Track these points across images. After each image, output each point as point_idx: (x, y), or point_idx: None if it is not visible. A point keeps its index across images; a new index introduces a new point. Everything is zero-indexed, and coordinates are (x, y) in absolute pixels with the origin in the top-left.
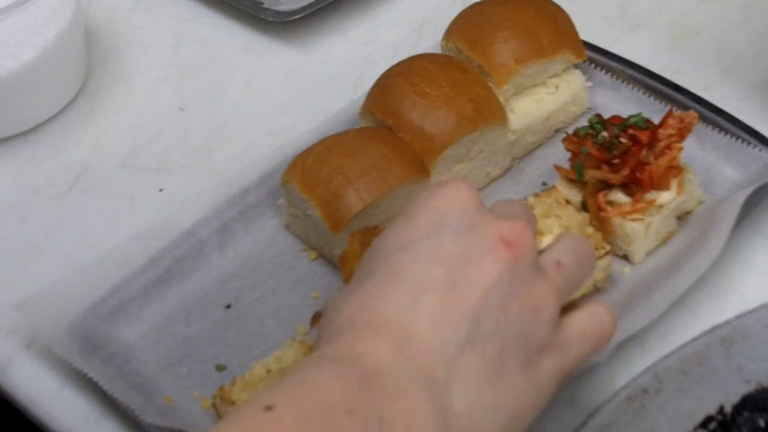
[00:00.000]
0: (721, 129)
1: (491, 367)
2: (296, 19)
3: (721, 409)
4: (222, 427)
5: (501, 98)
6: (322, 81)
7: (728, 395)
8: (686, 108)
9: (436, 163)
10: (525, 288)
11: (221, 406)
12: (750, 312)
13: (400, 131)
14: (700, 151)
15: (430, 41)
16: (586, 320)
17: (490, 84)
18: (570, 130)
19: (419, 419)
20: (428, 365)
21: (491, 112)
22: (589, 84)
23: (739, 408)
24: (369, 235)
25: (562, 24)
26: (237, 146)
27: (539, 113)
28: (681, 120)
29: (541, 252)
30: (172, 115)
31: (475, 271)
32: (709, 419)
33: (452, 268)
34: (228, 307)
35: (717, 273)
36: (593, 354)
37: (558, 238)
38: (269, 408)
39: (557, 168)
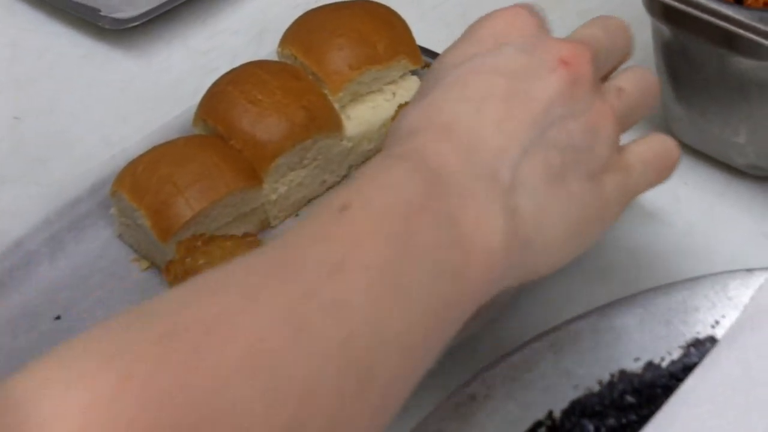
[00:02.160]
0: None
1: (555, 172)
2: (135, 27)
3: (549, 414)
4: (301, 225)
5: (336, 105)
6: (161, 89)
7: (557, 400)
8: None
9: (269, 171)
10: (584, 106)
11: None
12: (580, 317)
13: (231, 139)
14: None
15: (270, 48)
16: (648, 147)
17: (326, 91)
18: None
19: (488, 218)
20: (494, 171)
21: (325, 120)
22: None
23: (567, 413)
24: (196, 241)
25: (399, 30)
26: (73, 156)
27: (376, 120)
28: None
29: (606, 78)
30: (7, 124)
31: (537, 86)
32: (537, 424)
33: (514, 81)
34: (57, 318)
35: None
36: (658, 182)
37: (627, 69)
38: (345, 207)
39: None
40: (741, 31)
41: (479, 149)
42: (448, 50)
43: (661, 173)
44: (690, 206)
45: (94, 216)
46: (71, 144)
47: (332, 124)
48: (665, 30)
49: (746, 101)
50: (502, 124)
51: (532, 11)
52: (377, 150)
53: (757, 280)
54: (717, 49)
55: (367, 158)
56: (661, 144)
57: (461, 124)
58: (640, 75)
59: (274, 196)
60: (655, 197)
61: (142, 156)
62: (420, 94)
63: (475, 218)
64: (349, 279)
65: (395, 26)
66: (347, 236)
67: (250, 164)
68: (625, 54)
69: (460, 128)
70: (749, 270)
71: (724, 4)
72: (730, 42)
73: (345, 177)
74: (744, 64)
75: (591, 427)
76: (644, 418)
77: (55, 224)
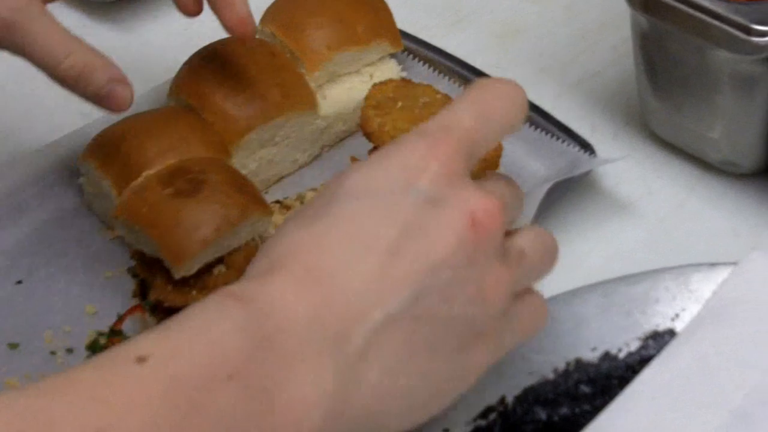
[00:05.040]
0: (532, 124)
1: (417, 348)
2: (118, 1)
3: (502, 400)
4: (87, 369)
5: (312, 85)
6: (141, 63)
7: (511, 387)
8: None
9: (239, 146)
10: (479, 273)
11: None
12: None
13: (203, 112)
14: (509, 145)
15: None
16: (527, 309)
17: (303, 70)
18: None
19: (310, 394)
20: (345, 334)
21: (299, 98)
22: (404, 74)
23: (520, 399)
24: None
25: (380, 13)
26: (48, 126)
27: (351, 101)
28: None
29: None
30: None
31: (429, 244)
32: (489, 410)
33: (406, 236)
34: (19, 282)
35: None
36: (527, 341)
37: (528, 227)
38: (142, 359)
39: (353, 159)
40: (718, 23)
41: (337, 307)
42: (352, 168)
43: (530, 335)
44: (661, 199)
45: (63, 185)
46: (48, 114)
47: (306, 102)
48: (644, 22)
49: (721, 95)
50: (372, 285)
51: (460, 146)
52: (350, 131)
53: (720, 274)
54: (694, 40)
55: (340, 139)
56: (534, 303)
57: (328, 273)
58: (542, 238)
59: (243, 172)
60: (626, 189)
61: (112, 126)
62: (309, 212)
63: (297, 392)
64: None
65: (376, 8)
66: (124, 399)
67: (221, 138)
68: (519, 210)
69: (324, 277)
70: (712, 264)
71: None
72: (707, 34)
73: (317, 157)
74: (720, 56)
75: (543, 415)
76: (598, 409)
77: (24, 191)
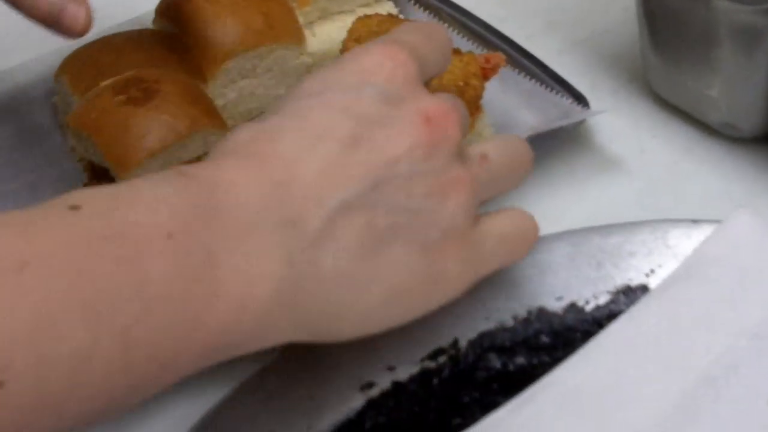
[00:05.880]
0: (528, 74)
1: (375, 236)
2: None
3: (455, 343)
4: (17, 212)
5: (302, 20)
6: None
7: (465, 329)
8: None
9: (217, 75)
10: (437, 168)
11: None
12: None
13: (183, 37)
14: (502, 94)
15: None
16: (505, 222)
17: (294, 4)
18: None
19: (260, 265)
20: (300, 215)
21: (284, 30)
22: (401, 17)
23: (473, 344)
24: None
25: None
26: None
27: (341, 40)
28: (487, 60)
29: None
30: None
31: (386, 136)
32: (439, 351)
33: (362, 126)
34: None
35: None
36: (511, 261)
37: (499, 136)
38: (75, 207)
39: None
40: None
41: (291, 191)
42: (310, 75)
43: (515, 253)
44: (654, 159)
45: (38, 103)
46: (39, 39)
47: (292, 35)
48: None
49: (720, 49)
50: (329, 171)
51: (412, 55)
52: None
53: (703, 232)
54: None
55: None
56: (519, 221)
57: (283, 158)
58: (512, 145)
59: (221, 101)
60: (619, 146)
61: (89, 43)
62: (266, 114)
63: (243, 262)
64: (23, 279)
65: None
66: (49, 240)
67: (198, 64)
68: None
69: (279, 162)
70: (694, 221)
71: None
72: None
73: None
74: (720, 5)
75: (498, 363)
76: (557, 361)
77: None
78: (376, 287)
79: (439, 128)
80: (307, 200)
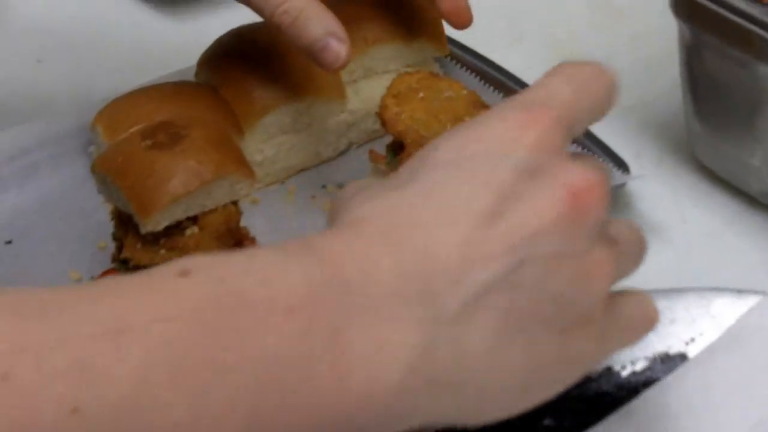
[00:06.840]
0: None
1: (518, 320)
2: None
3: None
4: (123, 279)
5: (346, 77)
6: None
7: None
8: None
9: (255, 129)
10: (581, 251)
11: None
12: None
13: (222, 89)
14: None
15: None
16: (634, 308)
17: None
18: None
19: (392, 342)
20: (439, 294)
21: (324, 85)
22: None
23: None
24: None
25: (428, 14)
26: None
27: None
28: None
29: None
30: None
31: (527, 211)
32: None
33: (504, 199)
34: (8, 243)
35: None
36: (635, 343)
37: (618, 220)
38: (184, 273)
39: (371, 153)
40: (760, 32)
41: (431, 264)
42: (444, 137)
43: (636, 338)
44: (695, 228)
45: (76, 153)
46: (89, 90)
47: (332, 90)
48: (687, 33)
49: (763, 117)
50: (471, 250)
51: (560, 119)
52: (384, 132)
53: (746, 303)
54: (736, 53)
55: (371, 138)
56: (645, 305)
57: (420, 237)
58: (634, 229)
59: (259, 157)
60: (661, 213)
61: (127, 93)
62: (392, 183)
63: (375, 341)
64: (123, 345)
65: (425, 9)
66: (152, 306)
67: (236, 117)
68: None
69: (416, 241)
70: (740, 291)
71: (745, 1)
72: (749, 45)
73: (343, 153)
74: (762, 71)
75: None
76: (581, 426)
77: (34, 153)
78: (516, 375)
79: (584, 203)
80: (446, 277)
